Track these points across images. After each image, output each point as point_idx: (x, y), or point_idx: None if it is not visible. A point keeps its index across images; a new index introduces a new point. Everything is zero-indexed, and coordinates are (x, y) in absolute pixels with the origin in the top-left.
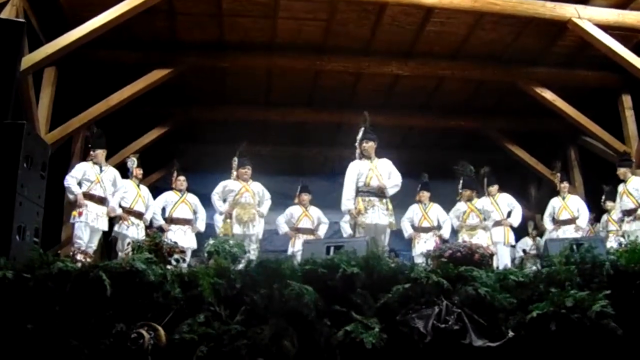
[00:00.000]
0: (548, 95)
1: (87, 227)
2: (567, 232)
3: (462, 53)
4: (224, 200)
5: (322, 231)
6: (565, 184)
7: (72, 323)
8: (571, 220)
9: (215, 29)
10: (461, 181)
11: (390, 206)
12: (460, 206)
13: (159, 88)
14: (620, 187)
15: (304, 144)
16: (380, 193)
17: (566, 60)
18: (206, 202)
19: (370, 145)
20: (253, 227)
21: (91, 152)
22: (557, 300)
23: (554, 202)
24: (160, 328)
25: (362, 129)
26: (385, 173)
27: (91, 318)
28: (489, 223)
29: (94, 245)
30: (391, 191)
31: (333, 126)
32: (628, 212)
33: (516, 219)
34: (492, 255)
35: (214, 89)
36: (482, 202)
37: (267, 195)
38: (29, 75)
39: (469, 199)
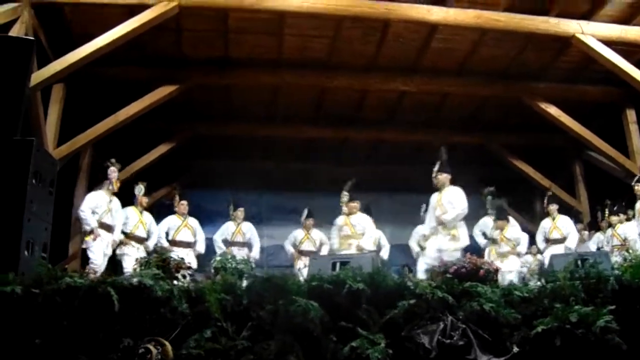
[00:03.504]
0: (552, 110)
1: (100, 252)
2: (557, 251)
3: (467, 69)
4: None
5: (324, 252)
6: (554, 206)
7: (80, 338)
8: (561, 240)
9: (221, 46)
10: (494, 213)
11: (455, 232)
12: (493, 232)
13: (165, 104)
14: (638, 205)
15: (310, 160)
16: (441, 222)
17: (570, 75)
18: (211, 217)
19: (443, 177)
20: None
21: (115, 182)
22: (562, 316)
23: (545, 224)
24: (167, 343)
25: (439, 162)
26: (448, 204)
27: (99, 333)
28: (521, 249)
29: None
30: (450, 224)
31: (339, 142)
32: None
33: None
34: (496, 270)
35: (220, 105)
36: (512, 231)
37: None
38: (37, 91)
39: (501, 228)
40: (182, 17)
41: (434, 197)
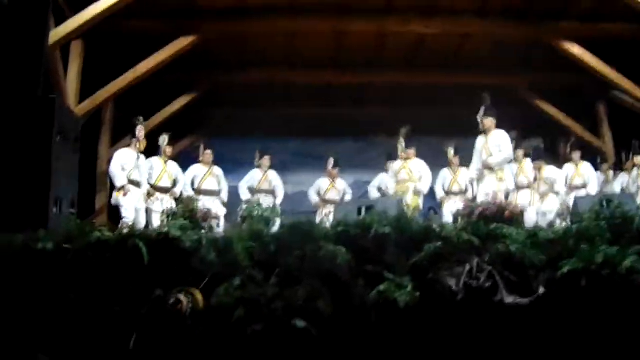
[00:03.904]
0: (575, 49)
1: (131, 207)
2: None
3: (487, 9)
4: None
5: (347, 200)
6: (578, 153)
7: (113, 291)
8: (583, 186)
9: None
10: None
11: (501, 175)
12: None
13: (184, 56)
14: None
15: (330, 105)
16: (487, 165)
17: (594, 12)
18: (234, 165)
19: (489, 121)
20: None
21: (142, 140)
22: (587, 257)
23: (568, 170)
24: (197, 293)
25: (483, 106)
26: (494, 147)
27: (130, 285)
28: (559, 188)
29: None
30: (496, 167)
31: (358, 87)
32: None
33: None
34: (522, 212)
35: (238, 54)
36: (550, 171)
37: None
38: (56, 49)
39: (539, 169)
40: None
41: (480, 141)
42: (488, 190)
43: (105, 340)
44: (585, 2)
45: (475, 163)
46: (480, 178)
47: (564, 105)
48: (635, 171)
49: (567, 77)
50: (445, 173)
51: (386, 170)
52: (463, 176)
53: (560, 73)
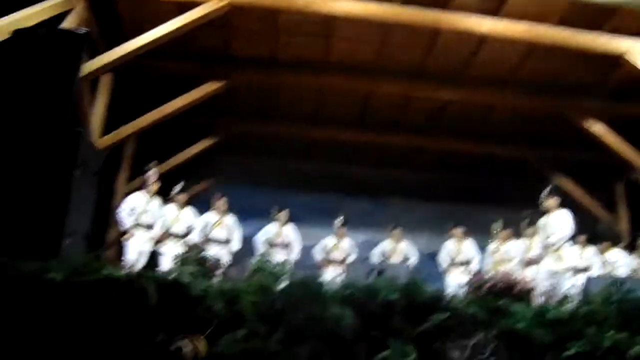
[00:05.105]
0: (598, 128)
1: (134, 251)
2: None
3: (513, 81)
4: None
5: (350, 260)
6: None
7: (116, 329)
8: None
9: (269, 46)
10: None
11: (561, 253)
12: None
13: (210, 100)
14: None
15: (350, 163)
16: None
17: (618, 93)
18: (247, 214)
19: (552, 201)
20: None
21: (153, 184)
22: (595, 340)
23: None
24: (201, 341)
25: (549, 186)
26: (554, 226)
27: (135, 326)
28: (622, 271)
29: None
30: (557, 244)
31: (380, 147)
32: None
33: None
34: (531, 289)
35: (264, 104)
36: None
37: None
38: (87, 81)
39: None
40: (232, 15)
41: (542, 220)
42: (550, 269)
43: None
44: (611, 82)
45: (538, 242)
46: (541, 256)
47: (581, 182)
48: None
49: (587, 153)
50: (450, 244)
51: (392, 237)
52: (467, 247)
53: (581, 149)
